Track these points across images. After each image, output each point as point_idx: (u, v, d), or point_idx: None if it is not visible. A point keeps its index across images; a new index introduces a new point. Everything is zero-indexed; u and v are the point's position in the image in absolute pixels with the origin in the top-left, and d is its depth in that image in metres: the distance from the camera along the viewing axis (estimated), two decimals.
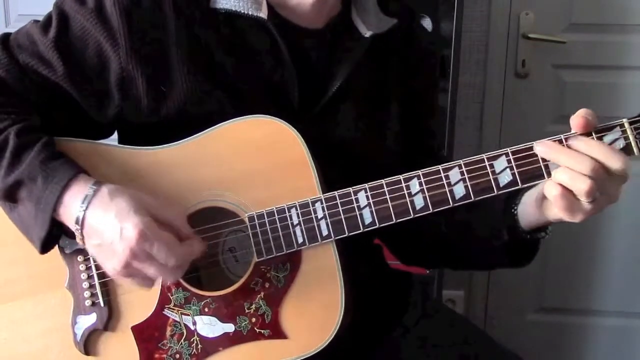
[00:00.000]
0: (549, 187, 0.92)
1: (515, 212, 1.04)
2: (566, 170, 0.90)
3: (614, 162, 0.89)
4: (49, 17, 1.05)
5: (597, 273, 2.36)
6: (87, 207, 0.94)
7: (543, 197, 0.97)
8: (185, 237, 0.97)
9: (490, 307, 2.42)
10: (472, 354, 1.19)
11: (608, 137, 0.91)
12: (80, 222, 0.95)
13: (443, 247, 1.19)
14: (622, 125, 0.91)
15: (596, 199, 0.91)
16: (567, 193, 0.91)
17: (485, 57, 2.22)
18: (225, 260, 1.06)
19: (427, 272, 1.97)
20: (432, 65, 1.23)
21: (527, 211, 1.02)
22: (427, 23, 1.97)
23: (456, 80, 1.90)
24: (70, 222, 0.96)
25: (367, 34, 1.10)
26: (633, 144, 0.91)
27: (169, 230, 0.95)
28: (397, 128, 1.15)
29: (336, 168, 1.02)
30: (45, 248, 0.99)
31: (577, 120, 0.91)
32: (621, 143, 0.91)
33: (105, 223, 0.94)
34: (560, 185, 0.91)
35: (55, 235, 0.99)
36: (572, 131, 0.92)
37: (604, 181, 0.90)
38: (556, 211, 0.95)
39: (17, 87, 1.03)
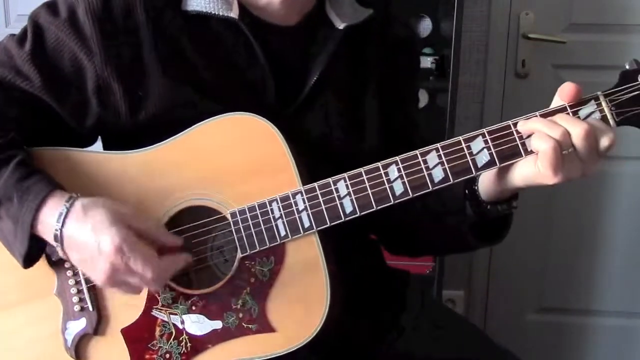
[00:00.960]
0: (540, 140, 0.91)
1: (476, 186, 1.03)
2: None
3: (605, 137, 0.90)
4: (24, 31, 1.06)
5: (597, 273, 2.36)
6: (62, 224, 0.96)
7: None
8: (164, 246, 0.99)
9: (490, 307, 2.42)
10: (471, 354, 1.19)
11: (583, 111, 0.92)
12: (59, 239, 0.96)
13: (416, 230, 1.19)
14: (597, 98, 0.92)
15: (571, 156, 0.91)
16: (558, 147, 0.90)
17: (485, 57, 2.22)
18: (213, 258, 1.07)
19: (427, 271, 1.97)
20: (408, 56, 1.23)
21: (487, 179, 1.01)
22: (427, 23, 1.97)
23: (456, 80, 1.90)
24: (49, 239, 0.98)
25: (341, 26, 1.09)
26: (609, 116, 0.91)
27: (147, 241, 0.97)
28: (376, 120, 1.15)
29: (318, 164, 1.03)
30: (27, 263, 1.00)
31: (568, 87, 0.93)
32: (597, 115, 0.92)
33: (83, 238, 0.95)
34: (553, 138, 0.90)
35: (38, 250, 1.01)
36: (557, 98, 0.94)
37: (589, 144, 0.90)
38: (531, 169, 0.93)
39: None
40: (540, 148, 0.90)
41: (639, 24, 2.15)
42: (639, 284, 2.34)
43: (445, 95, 1.90)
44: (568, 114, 0.92)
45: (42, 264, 1.04)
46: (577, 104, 0.92)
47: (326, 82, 1.09)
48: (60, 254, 0.98)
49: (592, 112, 0.92)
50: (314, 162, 1.03)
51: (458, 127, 1.98)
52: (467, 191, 1.05)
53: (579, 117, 0.92)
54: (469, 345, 1.21)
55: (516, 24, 2.19)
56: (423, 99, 1.90)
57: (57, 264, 1.06)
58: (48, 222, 0.96)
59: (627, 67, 0.92)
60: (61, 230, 0.96)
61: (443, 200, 1.10)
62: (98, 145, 1.14)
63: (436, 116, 1.91)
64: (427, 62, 1.95)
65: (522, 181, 0.95)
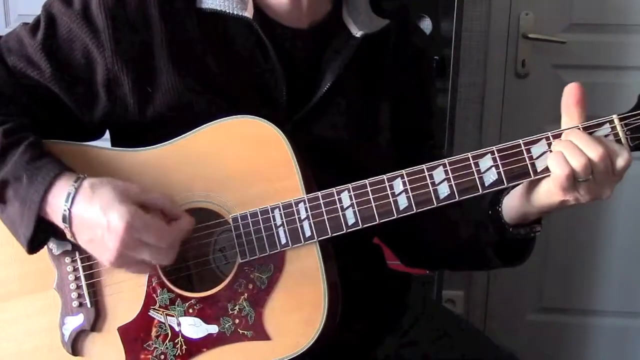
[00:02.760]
0: (556, 165, 0.90)
1: (500, 207, 1.03)
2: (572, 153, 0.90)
3: (620, 159, 0.89)
4: (37, 20, 1.06)
5: (597, 273, 2.35)
6: (71, 204, 0.95)
7: (530, 185, 0.96)
8: (173, 215, 0.99)
9: (490, 307, 2.42)
10: (471, 356, 1.19)
11: (597, 134, 0.90)
12: (68, 220, 0.96)
13: (436, 248, 1.19)
14: (611, 122, 0.91)
15: (588, 183, 0.90)
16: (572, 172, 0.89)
17: (485, 57, 2.22)
18: (215, 259, 1.06)
19: (427, 272, 1.97)
20: (426, 66, 1.23)
21: (511, 203, 1.01)
22: (427, 23, 1.97)
23: (456, 80, 1.90)
24: (58, 221, 0.97)
25: (358, 33, 1.09)
26: (623, 140, 0.90)
27: (155, 213, 0.97)
28: (389, 129, 1.14)
29: (327, 169, 1.02)
30: (32, 247, 1.00)
31: (575, 87, 0.92)
32: (611, 139, 0.91)
33: (92, 218, 0.95)
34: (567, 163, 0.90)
35: (43, 236, 1.00)
36: (568, 102, 0.92)
37: (605, 167, 0.89)
38: (550, 192, 0.93)
39: (6, 90, 1.04)
40: (554, 172, 0.90)
41: (639, 24, 2.15)
42: (639, 284, 2.34)
43: (445, 95, 1.89)
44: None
45: (43, 257, 1.05)
46: (590, 126, 0.91)
47: (339, 88, 1.08)
48: (68, 235, 0.98)
49: (606, 136, 0.90)
50: (323, 168, 1.02)
51: (458, 127, 1.99)
52: (490, 212, 1.04)
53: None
54: (471, 349, 1.21)
55: (516, 24, 2.18)
56: None
57: (58, 258, 1.06)
58: (56, 202, 0.96)
59: None
60: (70, 210, 0.95)
61: (466, 212, 1.09)
62: (105, 140, 1.14)
63: (436, 116, 1.91)
64: None
65: (537, 200, 0.95)
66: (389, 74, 1.15)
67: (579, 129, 0.91)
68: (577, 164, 0.88)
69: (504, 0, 2.18)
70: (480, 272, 2.38)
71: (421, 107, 1.21)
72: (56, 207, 0.96)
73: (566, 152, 0.89)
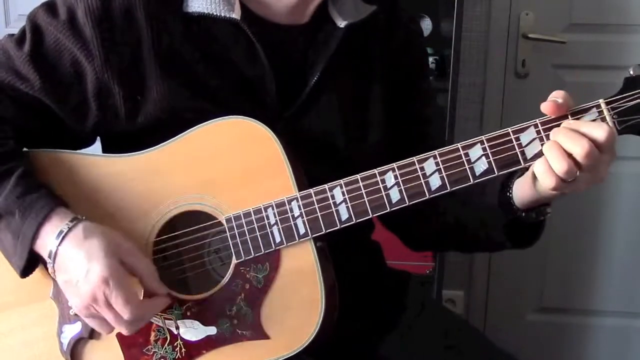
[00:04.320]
0: (542, 171, 0.91)
1: (510, 193, 1.02)
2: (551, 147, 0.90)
3: (599, 132, 0.88)
4: (22, 31, 1.05)
5: (597, 273, 2.35)
6: (60, 242, 0.96)
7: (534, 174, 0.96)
8: (151, 290, 0.99)
9: (490, 307, 2.42)
10: (471, 357, 1.18)
11: (585, 119, 0.90)
12: (53, 256, 0.97)
13: (445, 232, 1.19)
14: (598, 106, 0.90)
15: (577, 178, 0.90)
16: (558, 180, 0.90)
17: (485, 57, 2.22)
18: (211, 261, 1.06)
19: (427, 271, 1.97)
20: (418, 50, 1.22)
21: (521, 190, 1.01)
22: (427, 23, 1.97)
23: (456, 80, 1.90)
24: (44, 254, 0.98)
25: (342, 24, 1.08)
26: (610, 124, 0.89)
27: (135, 281, 0.97)
28: (381, 118, 1.14)
29: (319, 164, 1.02)
30: (25, 274, 1.01)
31: (546, 105, 0.92)
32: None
33: (75, 261, 0.96)
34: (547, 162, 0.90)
35: (35, 263, 1.01)
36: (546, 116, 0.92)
37: (593, 159, 0.89)
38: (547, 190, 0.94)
39: None
40: (542, 182, 0.91)
41: (639, 24, 2.15)
42: (639, 284, 2.34)
43: (445, 95, 1.90)
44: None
45: (39, 268, 1.04)
46: (578, 111, 0.91)
47: (328, 82, 1.08)
48: (50, 271, 0.99)
49: (594, 120, 0.90)
50: (316, 163, 1.02)
51: (458, 127, 1.98)
52: (500, 200, 1.04)
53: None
54: (471, 349, 1.20)
55: (516, 24, 2.18)
56: None
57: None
58: (47, 238, 0.97)
59: (631, 72, 0.91)
60: (57, 248, 0.96)
61: (478, 215, 1.09)
62: (97, 146, 1.14)
63: (436, 116, 1.91)
64: None
65: (542, 191, 0.96)
66: (379, 62, 1.14)
67: (567, 117, 0.91)
68: (561, 169, 0.88)
69: (504, 0, 2.18)
70: (480, 272, 2.38)
71: (416, 93, 1.20)
72: (46, 241, 0.97)
73: (550, 158, 0.89)
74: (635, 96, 0.89)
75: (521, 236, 1.07)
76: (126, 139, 1.05)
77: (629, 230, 2.31)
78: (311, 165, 1.01)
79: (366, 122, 1.13)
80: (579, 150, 0.87)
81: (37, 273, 1.04)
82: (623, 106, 0.89)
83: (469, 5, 2.09)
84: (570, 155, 0.88)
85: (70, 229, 0.96)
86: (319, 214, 0.98)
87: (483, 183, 0.96)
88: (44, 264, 1.01)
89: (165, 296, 1.00)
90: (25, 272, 1.01)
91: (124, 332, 0.97)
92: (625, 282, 2.35)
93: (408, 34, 1.18)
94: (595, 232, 2.32)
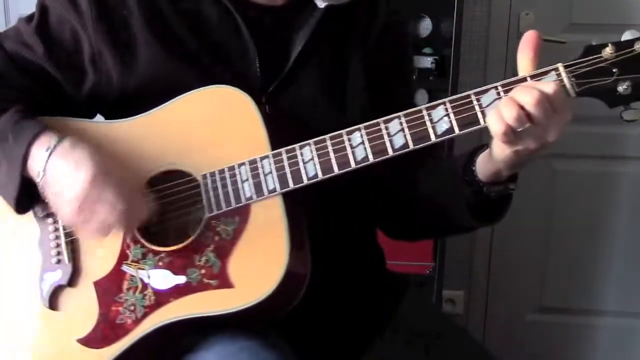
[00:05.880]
0: (493, 121, 0.93)
1: (474, 167, 1.05)
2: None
3: (548, 87, 0.91)
4: (32, 13, 1.16)
5: (597, 273, 2.36)
6: (49, 156, 1.01)
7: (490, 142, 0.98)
8: (135, 188, 1.04)
9: (490, 307, 2.42)
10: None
11: (544, 81, 0.94)
12: (42, 171, 1.01)
13: (413, 213, 1.20)
14: (557, 69, 0.95)
15: (529, 130, 0.92)
16: (509, 130, 0.92)
17: (485, 57, 2.22)
18: (181, 215, 1.10)
19: (427, 271, 1.97)
20: (400, 36, 1.24)
21: (483, 162, 1.03)
22: (427, 23, 1.97)
23: (456, 80, 1.90)
24: (34, 174, 1.02)
25: (322, 5, 1.12)
26: (568, 86, 0.94)
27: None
28: (362, 100, 1.17)
29: (302, 136, 1.04)
30: (20, 206, 1.06)
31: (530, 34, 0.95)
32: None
33: (63, 170, 1.01)
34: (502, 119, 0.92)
35: (29, 195, 1.05)
36: (522, 45, 0.96)
37: (543, 111, 0.91)
38: (499, 147, 0.95)
39: (4, 70, 1.12)
40: (492, 129, 0.93)
41: (639, 24, 2.15)
42: (639, 284, 2.35)
43: (445, 95, 1.89)
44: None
45: (29, 218, 1.12)
46: (537, 74, 0.95)
47: (309, 59, 1.13)
48: (40, 190, 1.03)
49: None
50: (297, 138, 1.04)
51: None
52: (464, 172, 1.06)
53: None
54: (465, 357, 1.20)
55: (516, 24, 2.19)
56: (423, 98, 1.90)
57: (42, 219, 1.12)
58: (37, 155, 1.02)
59: (594, 42, 0.95)
60: (47, 162, 1.01)
61: (441, 181, 1.12)
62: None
63: None
64: (427, 62, 1.95)
65: (495, 155, 0.97)
66: (360, 45, 1.17)
67: (525, 79, 0.95)
68: (510, 115, 0.91)
69: (504, 0, 2.18)
70: (480, 272, 2.39)
71: (399, 79, 1.24)
72: (36, 158, 1.02)
73: (502, 106, 0.92)
74: (594, 61, 0.94)
75: (487, 212, 1.08)
76: (121, 107, 1.11)
77: (629, 230, 2.31)
78: (293, 137, 1.04)
79: (345, 99, 1.16)
80: (529, 98, 0.90)
81: (26, 219, 1.11)
82: (581, 70, 0.94)
83: (469, 5, 2.09)
84: (521, 107, 0.91)
85: (58, 142, 1.02)
86: (287, 170, 1.02)
87: (453, 160, 1.01)
88: (36, 197, 1.06)
89: (152, 203, 1.05)
90: (19, 202, 1.05)
91: (121, 227, 1.03)
92: (625, 282, 2.35)
93: (387, 20, 1.21)
94: (595, 232, 2.32)
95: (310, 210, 1.06)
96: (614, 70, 0.93)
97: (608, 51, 0.93)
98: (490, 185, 1.03)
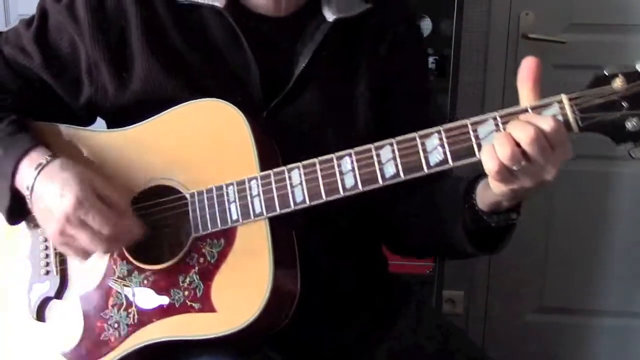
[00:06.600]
0: (487, 158, 0.87)
1: (474, 194, 1.00)
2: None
3: (546, 123, 0.85)
4: (33, 15, 1.15)
5: (597, 273, 2.36)
6: (38, 174, 1.02)
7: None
8: (123, 212, 1.02)
9: (490, 307, 2.42)
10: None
11: (545, 114, 0.87)
12: (31, 188, 1.02)
13: (413, 236, 1.18)
14: (560, 101, 0.87)
15: (525, 168, 0.86)
16: (503, 168, 0.87)
17: (485, 57, 2.22)
18: (173, 234, 1.09)
19: (427, 271, 1.97)
20: (413, 51, 1.21)
21: (482, 191, 0.99)
22: (427, 23, 1.97)
23: (456, 80, 1.90)
24: (23, 189, 1.03)
25: (331, 18, 1.09)
26: (571, 119, 0.87)
27: (108, 205, 1.01)
28: (368, 115, 1.13)
29: (303, 155, 1.02)
30: (11, 218, 1.08)
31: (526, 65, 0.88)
32: (560, 119, 0.87)
33: (50, 189, 1.01)
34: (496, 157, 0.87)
35: (19, 207, 1.05)
36: (522, 76, 0.88)
37: (539, 149, 0.85)
38: (494, 184, 0.91)
39: (2, 76, 1.13)
40: (485, 167, 0.87)
41: (639, 24, 2.15)
42: (639, 284, 2.35)
43: (445, 95, 1.90)
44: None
45: (22, 228, 1.13)
46: (538, 106, 0.88)
47: (314, 74, 1.09)
48: (28, 205, 1.03)
49: (555, 116, 0.87)
50: (299, 154, 1.01)
51: None
52: (464, 199, 1.02)
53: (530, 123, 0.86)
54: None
55: (516, 24, 2.19)
56: None
57: (34, 229, 1.13)
58: (26, 172, 1.03)
59: (606, 72, 0.87)
60: (35, 179, 1.02)
61: (442, 207, 1.09)
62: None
63: (436, 116, 1.91)
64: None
65: (493, 188, 0.92)
66: (368, 60, 1.14)
67: (526, 110, 0.88)
68: (504, 154, 0.85)
69: (504, 0, 2.18)
70: (480, 272, 2.38)
71: (413, 94, 1.19)
72: (25, 175, 1.02)
73: (497, 143, 0.86)
74: (600, 94, 0.86)
75: (488, 241, 1.05)
76: (118, 118, 1.11)
77: (629, 230, 2.31)
78: (296, 155, 1.01)
79: (350, 117, 1.13)
80: (524, 135, 0.84)
81: (19, 230, 1.12)
82: (586, 103, 0.86)
83: (469, 5, 2.08)
84: (517, 144, 0.85)
85: (48, 162, 1.02)
86: (275, 194, 0.99)
87: (456, 182, 0.97)
88: (26, 222, 1.07)
89: (141, 222, 1.04)
90: (10, 215, 1.06)
91: (101, 250, 1.02)
92: (624, 282, 2.35)
93: (402, 35, 1.17)
94: (595, 232, 2.32)
95: (304, 225, 1.03)
96: (623, 104, 0.85)
97: (619, 82, 0.85)
98: (490, 214, 0.99)
